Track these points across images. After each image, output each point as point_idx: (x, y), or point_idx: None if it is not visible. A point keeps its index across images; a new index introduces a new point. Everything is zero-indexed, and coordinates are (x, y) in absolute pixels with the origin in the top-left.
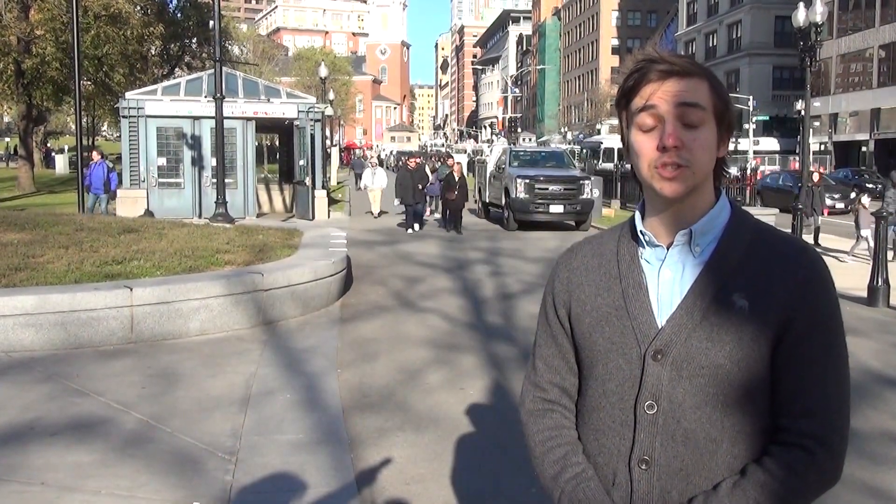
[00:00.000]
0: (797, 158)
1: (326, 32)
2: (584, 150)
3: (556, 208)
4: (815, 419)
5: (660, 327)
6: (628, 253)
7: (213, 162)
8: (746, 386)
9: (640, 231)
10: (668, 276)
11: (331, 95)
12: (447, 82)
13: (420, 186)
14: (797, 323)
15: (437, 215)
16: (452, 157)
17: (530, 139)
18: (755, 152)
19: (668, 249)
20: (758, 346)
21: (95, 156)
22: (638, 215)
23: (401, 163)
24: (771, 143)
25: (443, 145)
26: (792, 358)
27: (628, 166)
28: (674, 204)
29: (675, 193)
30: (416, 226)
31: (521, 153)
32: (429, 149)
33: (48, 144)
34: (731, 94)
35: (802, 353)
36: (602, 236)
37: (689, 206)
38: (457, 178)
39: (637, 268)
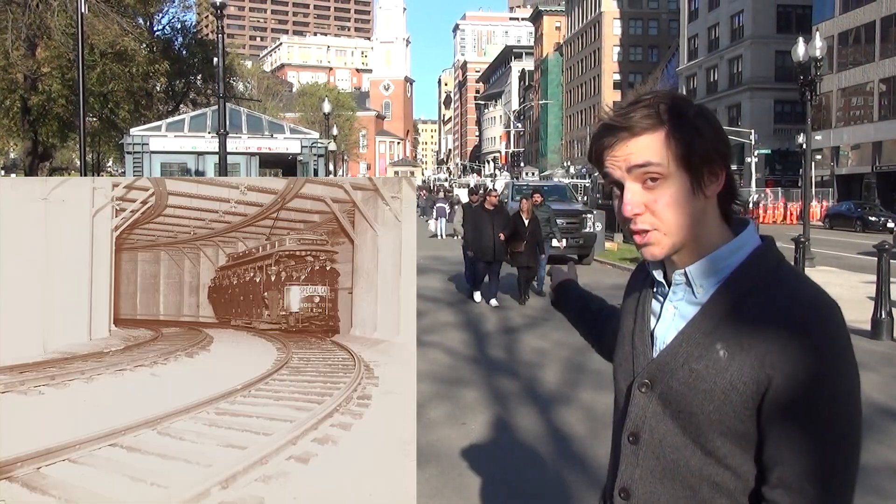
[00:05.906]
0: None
1: (330, 69)
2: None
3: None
4: (792, 494)
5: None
6: (651, 284)
7: None
8: (722, 439)
9: (650, 267)
10: (669, 314)
11: (334, 131)
12: (450, 117)
13: (502, 237)
14: (776, 384)
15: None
16: (536, 195)
17: (533, 173)
18: None
19: (670, 287)
20: (730, 402)
21: None
22: None
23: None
24: None
25: (446, 180)
26: (771, 423)
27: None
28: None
29: (654, 257)
30: (494, 300)
31: (524, 187)
32: (432, 183)
33: None
34: (732, 128)
35: (781, 420)
36: None
37: (688, 251)
38: (526, 223)
39: (652, 299)
